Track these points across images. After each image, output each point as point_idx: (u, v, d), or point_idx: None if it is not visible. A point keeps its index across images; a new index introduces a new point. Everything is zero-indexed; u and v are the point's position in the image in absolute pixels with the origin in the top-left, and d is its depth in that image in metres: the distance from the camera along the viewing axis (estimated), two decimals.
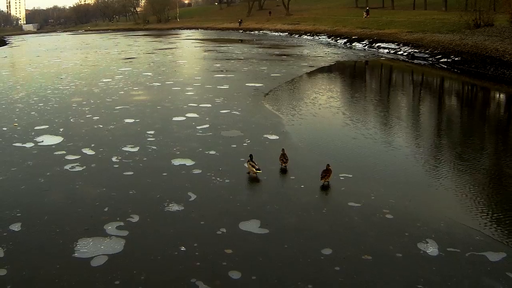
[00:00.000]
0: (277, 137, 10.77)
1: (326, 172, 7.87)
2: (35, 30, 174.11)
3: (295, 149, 9.77)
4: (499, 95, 18.18)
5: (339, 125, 12.35)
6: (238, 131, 11.45)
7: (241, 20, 79.60)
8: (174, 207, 7.16)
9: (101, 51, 42.64)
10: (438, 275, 5.33)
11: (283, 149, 8.89)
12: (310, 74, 22.64)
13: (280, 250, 5.89)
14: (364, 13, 53.99)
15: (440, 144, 10.92)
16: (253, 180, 8.27)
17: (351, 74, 24.53)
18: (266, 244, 6.05)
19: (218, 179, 8.29)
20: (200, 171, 8.70)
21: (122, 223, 6.65)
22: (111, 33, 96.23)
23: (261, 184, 8.13)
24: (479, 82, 20.39)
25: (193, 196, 7.53)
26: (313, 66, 24.93)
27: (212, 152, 9.76)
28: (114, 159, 9.56)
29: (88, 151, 10.10)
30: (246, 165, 8.53)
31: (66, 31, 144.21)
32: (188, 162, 9.19)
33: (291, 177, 8.41)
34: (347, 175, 8.36)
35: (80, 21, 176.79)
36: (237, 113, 13.62)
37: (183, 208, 7.13)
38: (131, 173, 8.75)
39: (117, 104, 15.59)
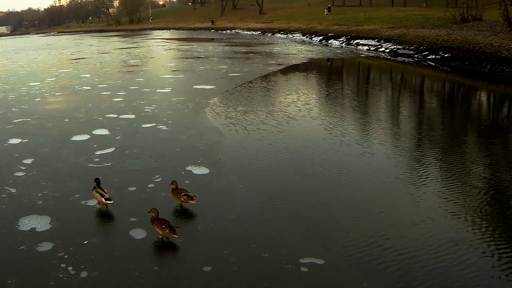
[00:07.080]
0: (206, 172, 7.00)
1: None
2: (8, 32, 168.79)
3: (229, 198, 6.04)
4: (503, 96, 14.69)
5: (303, 153, 8.22)
6: (151, 160, 7.67)
7: (213, 20, 76.69)
8: None
9: (55, 52, 39.52)
10: None
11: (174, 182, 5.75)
12: (276, 73, 19.02)
13: None
14: (326, 10, 51.95)
15: (449, 185, 6.76)
16: (134, 273, 4.50)
17: (325, 74, 20.79)
18: None
19: (71, 266, 4.50)
20: (50, 246, 4.90)
21: None
22: (82, 35, 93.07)
23: (148, 280, 4.35)
24: (476, 82, 16.99)
25: None
26: (281, 64, 21.34)
27: (91, 204, 5.95)
28: None
29: None
30: (93, 193, 5.68)
31: (39, 33, 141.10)
32: (41, 225, 5.39)
33: (205, 269, 4.58)
34: (314, 260, 4.67)
35: (54, 23, 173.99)
36: (164, 128, 9.91)
37: None
38: None
39: (21, 115, 12.07)
